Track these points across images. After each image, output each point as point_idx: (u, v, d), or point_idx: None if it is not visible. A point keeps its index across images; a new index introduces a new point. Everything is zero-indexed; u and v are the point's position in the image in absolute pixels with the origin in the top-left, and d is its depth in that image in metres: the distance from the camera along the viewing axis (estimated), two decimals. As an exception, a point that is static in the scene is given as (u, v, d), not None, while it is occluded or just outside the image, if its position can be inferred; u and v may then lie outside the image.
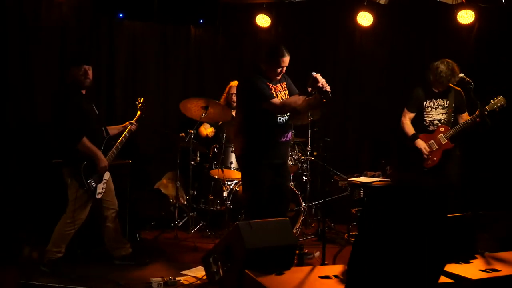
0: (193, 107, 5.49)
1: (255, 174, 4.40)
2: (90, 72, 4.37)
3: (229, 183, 5.67)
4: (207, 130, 6.13)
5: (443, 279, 3.22)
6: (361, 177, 6.00)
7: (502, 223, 4.68)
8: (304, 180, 5.96)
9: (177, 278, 4.09)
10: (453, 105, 5.22)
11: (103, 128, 4.53)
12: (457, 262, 3.54)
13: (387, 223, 2.70)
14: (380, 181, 5.58)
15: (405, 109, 5.39)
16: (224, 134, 5.71)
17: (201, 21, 6.63)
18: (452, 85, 5.22)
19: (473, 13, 6.11)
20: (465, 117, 5.23)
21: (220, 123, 6.00)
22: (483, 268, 3.49)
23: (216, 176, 5.69)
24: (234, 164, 5.64)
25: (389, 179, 5.79)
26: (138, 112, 4.90)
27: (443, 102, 5.27)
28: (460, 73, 5.11)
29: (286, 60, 4.37)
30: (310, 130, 5.97)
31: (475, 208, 4.10)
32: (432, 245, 2.69)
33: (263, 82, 4.37)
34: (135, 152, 5.48)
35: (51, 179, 4.80)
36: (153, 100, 6.35)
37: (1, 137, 5.60)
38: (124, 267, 4.44)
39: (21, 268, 4.31)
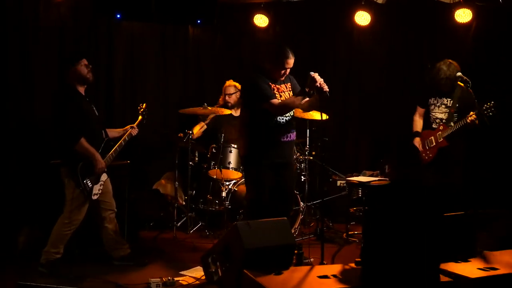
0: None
1: (255, 175, 4.40)
2: (90, 67, 4.38)
3: (227, 183, 5.66)
4: (195, 129, 5.96)
5: (442, 278, 3.23)
6: (359, 177, 6.01)
7: (502, 222, 4.69)
8: (302, 179, 5.96)
9: (175, 278, 4.09)
10: (457, 105, 5.20)
11: (102, 130, 4.53)
12: (456, 261, 3.55)
13: (388, 220, 2.71)
14: (378, 180, 5.58)
15: (417, 106, 5.50)
16: (223, 134, 5.70)
17: (199, 21, 6.62)
18: (460, 83, 5.17)
19: (470, 12, 6.10)
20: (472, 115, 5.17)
21: (211, 117, 6.01)
22: (482, 267, 3.49)
23: (215, 176, 5.69)
24: (233, 164, 5.63)
25: (387, 178, 5.79)
26: (140, 117, 4.90)
27: (447, 101, 5.26)
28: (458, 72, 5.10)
29: (291, 62, 4.32)
30: (308, 130, 5.97)
31: (476, 207, 4.11)
32: (429, 240, 2.71)
33: (265, 82, 4.33)
34: (134, 152, 5.47)
35: (50, 179, 4.79)
36: (152, 100, 6.34)
37: (1, 137, 5.59)
38: (122, 268, 4.44)
39: (20, 268, 4.32)
